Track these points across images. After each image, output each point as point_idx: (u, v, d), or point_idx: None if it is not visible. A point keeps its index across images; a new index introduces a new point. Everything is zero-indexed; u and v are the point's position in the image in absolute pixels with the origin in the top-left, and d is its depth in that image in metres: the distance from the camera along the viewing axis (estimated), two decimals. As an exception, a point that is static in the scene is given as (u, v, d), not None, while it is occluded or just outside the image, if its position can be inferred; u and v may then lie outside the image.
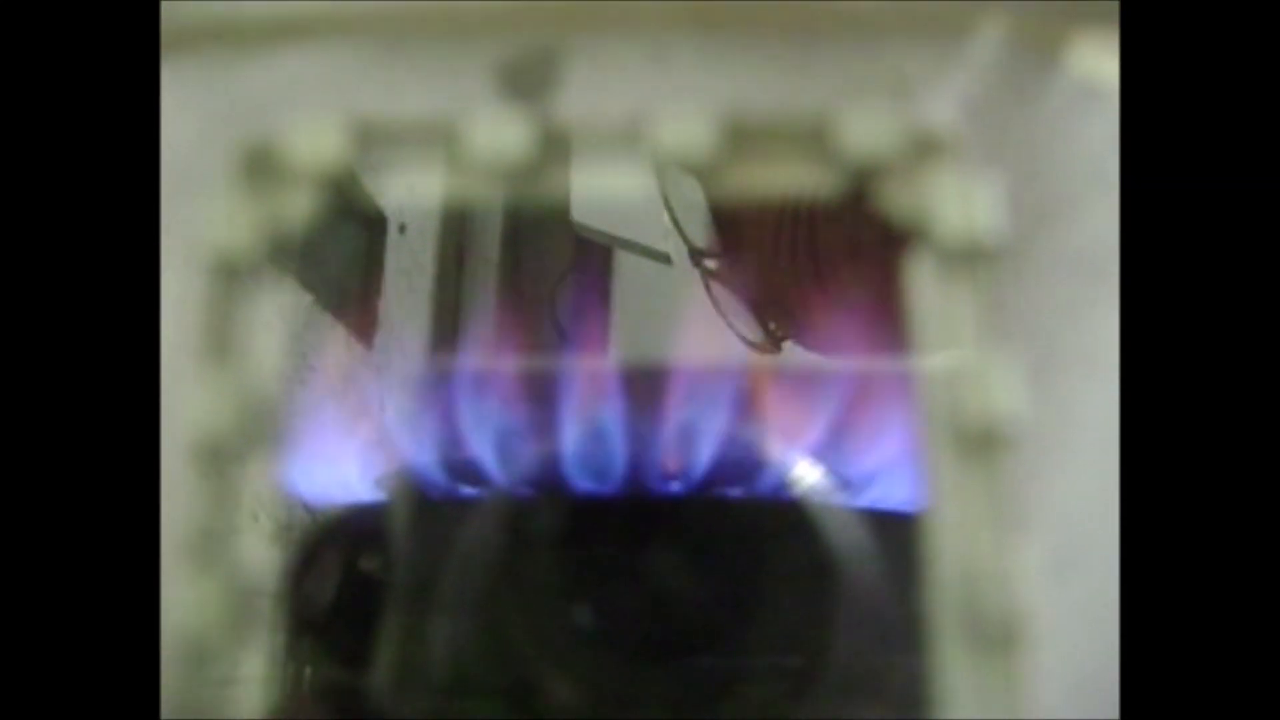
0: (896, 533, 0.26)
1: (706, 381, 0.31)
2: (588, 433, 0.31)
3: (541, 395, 0.32)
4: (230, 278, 0.19)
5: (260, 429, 0.18)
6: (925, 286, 0.18)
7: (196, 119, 0.20)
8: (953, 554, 0.18)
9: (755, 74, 0.20)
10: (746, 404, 0.31)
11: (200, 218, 0.19)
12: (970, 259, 0.18)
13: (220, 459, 0.18)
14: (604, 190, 0.19)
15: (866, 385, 0.31)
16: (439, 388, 0.34)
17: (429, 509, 0.31)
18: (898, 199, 0.19)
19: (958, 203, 0.18)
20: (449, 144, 0.19)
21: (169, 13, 0.20)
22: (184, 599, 0.18)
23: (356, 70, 0.20)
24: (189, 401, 0.18)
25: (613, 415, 0.31)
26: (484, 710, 0.28)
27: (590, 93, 0.20)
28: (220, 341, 0.19)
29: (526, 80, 0.19)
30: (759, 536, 0.29)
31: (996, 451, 0.18)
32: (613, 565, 0.29)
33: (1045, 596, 0.17)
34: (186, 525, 0.18)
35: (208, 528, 0.18)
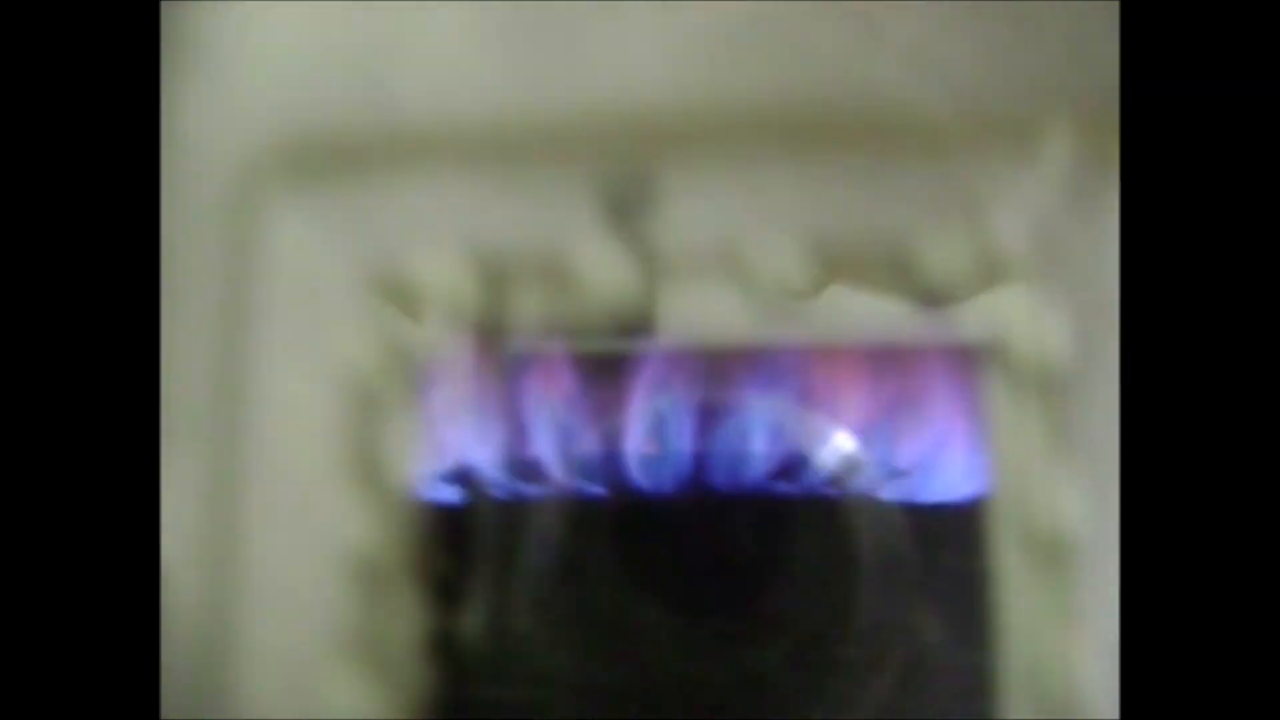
0: (951, 522, 0.28)
1: (765, 371, 0.32)
2: (649, 428, 0.32)
3: (602, 390, 0.33)
4: (366, 398, 0.21)
5: (408, 540, 0.20)
6: (997, 405, 0.20)
7: (326, 245, 0.21)
8: (1022, 646, 0.20)
9: (839, 197, 0.21)
10: (808, 395, 0.32)
11: (333, 340, 0.21)
12: (1041, 381, 0.20)
13: (374, 574, 0.20)
14: (703, 315, 0.20)
15: (918, 372, 0.32)
16: (500, 384, 0.35)
17: (495, 507, 0.32)
18: (972, 321, 0.20)
19: (1029, 326, 0.20)
20: (559, 276, 0.21)
21: (299, 138, 0.21)
22: (347, 699, 0.20)
23: (471, 198, 0.21)
24: (340, 520, 0.20)
25: (673, 408, 0.32)
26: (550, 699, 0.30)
27: (685, 218, 0.21)
28: (362, 458, 0.21)
29: (625, 207, 0.21)
30: (815, 530, 0.31)
31: (1063, 559, 0.20)
32: (679, 559, 0.31)
33: (1102, 681, 0.20)
34: (346, 633, 0.20)
35: (365, 633, 0.20)
